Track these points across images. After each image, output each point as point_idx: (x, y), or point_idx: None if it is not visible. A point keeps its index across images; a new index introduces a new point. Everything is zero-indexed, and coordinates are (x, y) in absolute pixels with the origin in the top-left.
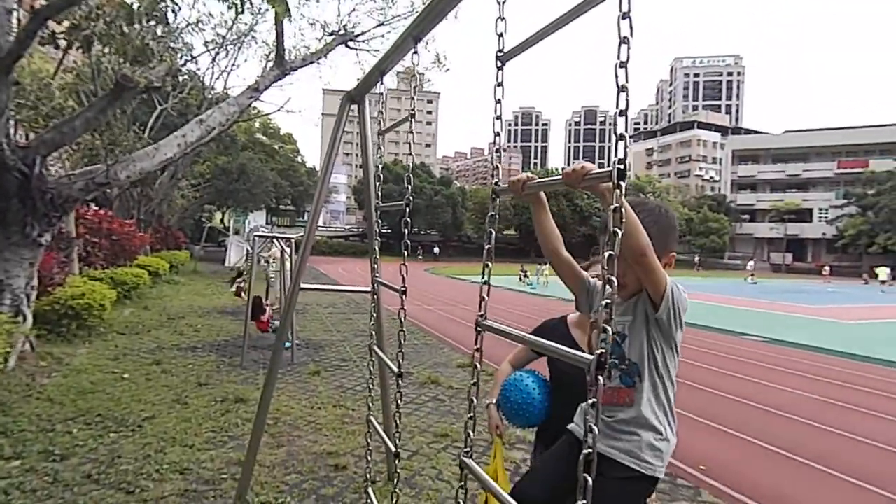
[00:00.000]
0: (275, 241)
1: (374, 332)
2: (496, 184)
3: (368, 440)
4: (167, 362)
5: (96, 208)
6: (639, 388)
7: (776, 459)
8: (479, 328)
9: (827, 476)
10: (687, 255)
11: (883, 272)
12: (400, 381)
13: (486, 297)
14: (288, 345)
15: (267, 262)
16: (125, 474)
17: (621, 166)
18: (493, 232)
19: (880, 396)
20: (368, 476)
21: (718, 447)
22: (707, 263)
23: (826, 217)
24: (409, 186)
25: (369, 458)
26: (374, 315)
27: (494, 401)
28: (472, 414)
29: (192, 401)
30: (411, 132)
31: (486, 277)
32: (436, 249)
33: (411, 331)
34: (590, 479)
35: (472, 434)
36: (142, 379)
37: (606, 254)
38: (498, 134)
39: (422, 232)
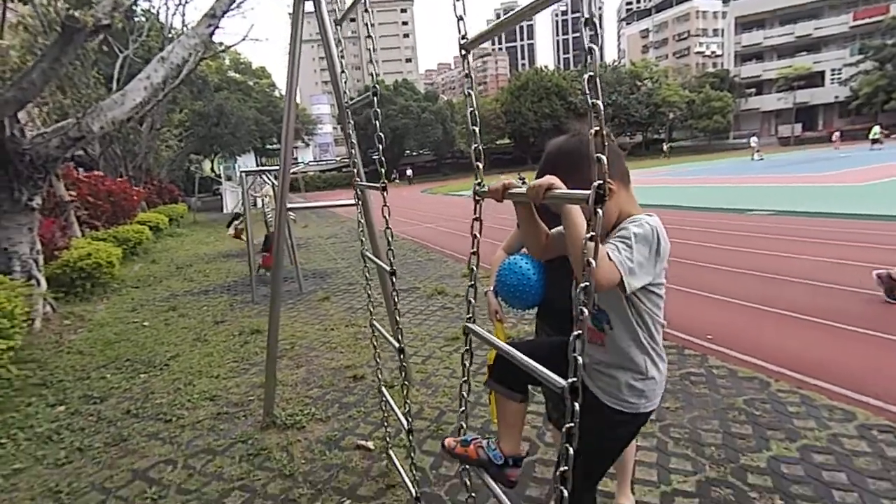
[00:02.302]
0: (265, 179)
1: (362, 239)
2: (478, 183)
3: (375, 343)
4: (182, 307)
5: (83, 171)
6: (610, 334)
7: (780, 320)
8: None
9: (832, 329)
10: (690, 140)
11: (875, 131)
12: (394, 279)
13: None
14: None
15: (266, 204)
16: (160, 406)
17: (600, 190)
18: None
19: (886, 250)
20: (380, 377)
21: (724, 317)
22: (711, 146)
23: (839, 78)
24: (374, 75)
25: (378, 360)
26: (362, 221)
27: (492, 287)
28: (472, 282)
29: (212, 337)
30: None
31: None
32: (409, 172)
33: (414, 249)
34: (576, 406)
35: (473, 301)
36: (161, 325)
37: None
38: (475, 129)
39: (413, 153)
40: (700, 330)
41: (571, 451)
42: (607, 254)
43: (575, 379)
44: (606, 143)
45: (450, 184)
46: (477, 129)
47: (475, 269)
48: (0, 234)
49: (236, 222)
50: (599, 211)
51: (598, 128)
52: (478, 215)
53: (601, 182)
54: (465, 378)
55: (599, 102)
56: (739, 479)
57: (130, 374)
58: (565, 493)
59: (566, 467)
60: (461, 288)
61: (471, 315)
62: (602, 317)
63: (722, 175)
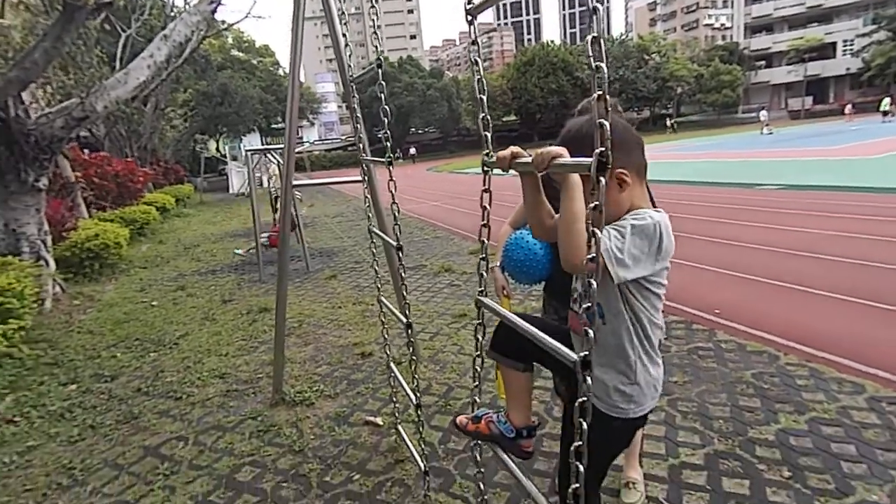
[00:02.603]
0: (271, 157)
1: (369, 215)
2: (487, 154)
3: (383, 320)
4: (190, 287)
5: (89, 152)
6: (602, 329)
7: (789, 294)
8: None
9: (842, 302)
10: (699, 114)
11: (886, 103)
12: (400, 255)
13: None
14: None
15: (271, 184)
16: (170, 385)
17: (602, 157)
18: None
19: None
20: (388, 353)
21: (732, 292)
22: (720, 121)
23: (851, 49)
24: (377, 47)
25: (386, 336)
26: (368, 197)
27: (498, 263)
28: (484, 255)
29: (220, 316)
30: None
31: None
32: (412, 150)
33: (421, 227)
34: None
35: (485, 275)
36: (169, 304)
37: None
38: (482, 97)
39: (419, 131)
40: (708, 305)
41: (581, 468)
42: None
43: (587, 353)
44: (627, 129)
45: (456, 161)
46: (485, 98)
47: (486, 241)
48: (8, 215)
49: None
50: (602, 179)
51: (600, 92)
52: (487, 186)
53: (603, 150)
54: (479, 353)
55: (603, 65)
56: (748, 452)
57: (140, 353)
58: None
59: (577, 485)
60: (468, 265)
61: (483, 289)
62: (597, 309)
63: (731, 149)
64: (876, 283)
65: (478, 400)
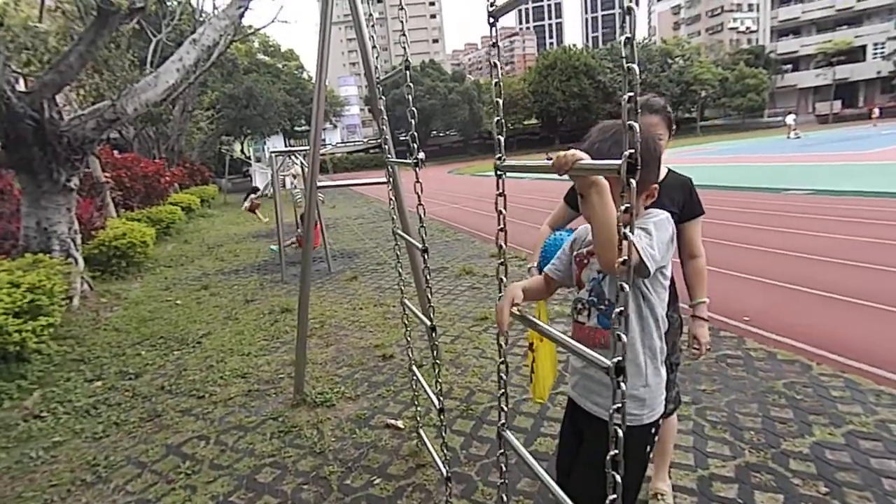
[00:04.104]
0: (294, 159)
1: (394, 217)
2: (499, 158)
3: (406, 322)
4: (214, 286)
5: (118, 153)
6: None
7: (819, 302)
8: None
9: (875, 310)
10: (723, 118)
11: None
12: (426, 256)
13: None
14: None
15: (293, 185)
16: (193, 383)
17: (630, 159)
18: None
19: None
20: (410, 355)
21: (761, 298)
22: (745, 125)
23: (882, 52)
24: (405, 47)
25: (409, 339)
26: (393, 199)
27: (535, 264)
28: (502, 260)
29: (242, 316)
30: None
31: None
32: (421, 155)
33: (442, 229)
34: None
35: (504, 280)
36: (193, 303)
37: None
38: (499, 101)
39: (440, 134)
40: (736, 311)
41: (619, 478)
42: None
43: (620, 358)
44: (657, 143)
45: (477, 164)
46: (500, 102)
47: (503, 245)
48: (40, 214)
49: (253, 196)
50: (633, 182)
51: (631, 93)
52: (501, 191)
53: (633, 151)
54: (503, 359)
55: (635, 66)
56: (781, 465)
57: (164, 351)
58: None
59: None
60: (489, 268)
61: (502, 294)
62: (611, 311)
63: (757, 154)
64: None
65: (505, 408)
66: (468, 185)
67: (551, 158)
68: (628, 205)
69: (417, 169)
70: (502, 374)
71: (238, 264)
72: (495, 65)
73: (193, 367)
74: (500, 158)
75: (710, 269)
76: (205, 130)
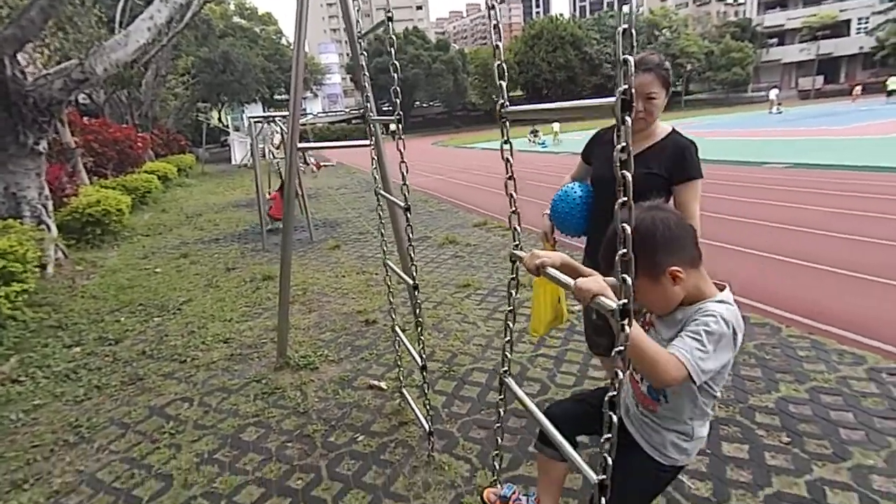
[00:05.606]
0: (276, 128)
1: (375, 176)
2: (516, 246)
3: (388, 283)
4: (193, 255)
5: (89, 119)
6: (665, 406)
7: (794, 270)
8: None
9: (844, 277)
10: (707, 92)
11: (893, 81)
12: (408, 215)
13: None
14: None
15: (273, 155)
16: (175, 348)
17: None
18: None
19: None
20: (393, 316)
21: (736, 267)
22: (728, 100)
23: (866, 27)
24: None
25: (391, 299)
26: (376, 158)
27: (548, 211)
28: (514, 208)
29: (223, 283)
30: None
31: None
32: (392, 127)
33: (425, 200)
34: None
35: (518, 228)
36: (173, 271)
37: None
38: (502, 84)
39: (424, 105)
40: (711, 277)
41: (610, 460)
42: (675, 354)
43: (626, 301)
44: (678, 224)
45: (461, 136)
46: (500, 44)
47: (514, 193)
48: (8, 179)
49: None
50: (628, 119)
51: (626, 87)
52: (506, 138)
53: (626, 88)
54: (511, 308)
55: (633, 28)
56: (747, 419)
57: (144, 318)
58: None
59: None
60: (472, 237)
61: (517, 242)
62: (661, 390)
63: (739, 128)
64: (881, 259)
65: (508, 355)
66: (452, 156)
67: (536, 130)
68: (623, 144)
69: (399, 125)
70: (508, 322)
71: (218, 233)
72: (497, 46)
73: (174, 333)
74: (503, 105)
75: None
76: (180, 96)
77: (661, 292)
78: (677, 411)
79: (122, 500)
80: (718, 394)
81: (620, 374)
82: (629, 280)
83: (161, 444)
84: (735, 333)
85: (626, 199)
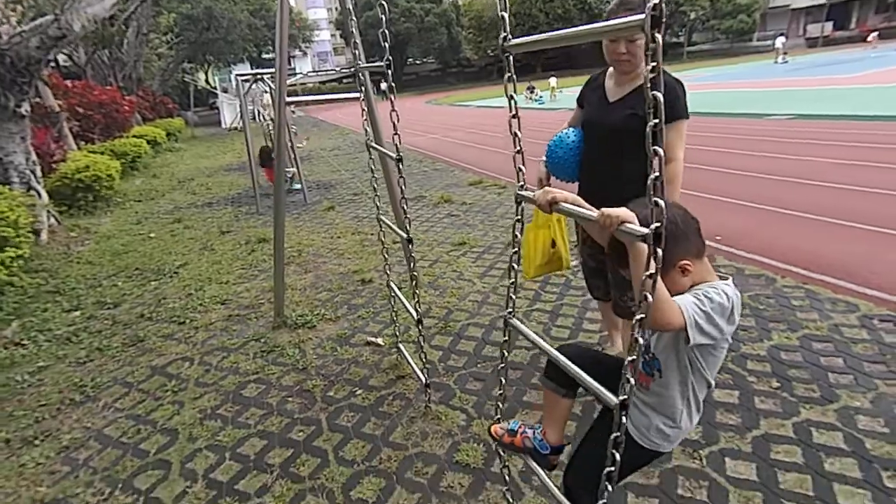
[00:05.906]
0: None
1: (367, 129)
2: (521, 187)
3: (382, 239)
4: (187, 219)
5: (71, 82)
6: (658, 381)
7: (792, 221)
8: None
9: (842, 227)
10: (711, 43)
11: None
12: (401, 166)
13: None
14: (297, 186)
15: (263, 117)
16: (173, 311)
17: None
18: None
19: None
20: (388, 272)
21: (735, 219)
22: (732, 49)
23: None
24: None
25: (386, 256)
26: (366, 109)
27: (544, 158)
28: (518, 148)
29: (219, 246)
30: None
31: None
32: (383, 86)
33: (420, 159)
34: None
35: (523, 169)
36: (167, 236)
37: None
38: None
39: (417, 62)
40: (709, 231)
41: (617, 455)
42: (678, 303)
43: (659, 224)
44: (685, 219)
45: (456, 94)
46: (506, 16)
47: (518, 132)
48: None
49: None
50: (658, 37)
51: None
52: (511, 73)
53: (656, 3)
54: (514, 247)
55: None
56: (739, 366)
57: (141, 282)
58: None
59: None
60: (467, 196)
61: (522, 183)
62: (654, 363)
63: (742, 79)
64: (880, 209)
65: (513, 297)
66: (447, 115)
67: (532, 87)
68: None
69: (389, 70)
70: (513, 264)
71: (211, 197)
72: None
73: (172, 296)
74: (505, 38)
75: (687, 193)
76: (164, 56)
77: (669, 284)
78: (668, 388)
79: (131, 453)
80: (712, 381)
81: (640, 340)
82: (661, 203)
83: (164, 401)
84: (733, 312)
85: (656, 120)
